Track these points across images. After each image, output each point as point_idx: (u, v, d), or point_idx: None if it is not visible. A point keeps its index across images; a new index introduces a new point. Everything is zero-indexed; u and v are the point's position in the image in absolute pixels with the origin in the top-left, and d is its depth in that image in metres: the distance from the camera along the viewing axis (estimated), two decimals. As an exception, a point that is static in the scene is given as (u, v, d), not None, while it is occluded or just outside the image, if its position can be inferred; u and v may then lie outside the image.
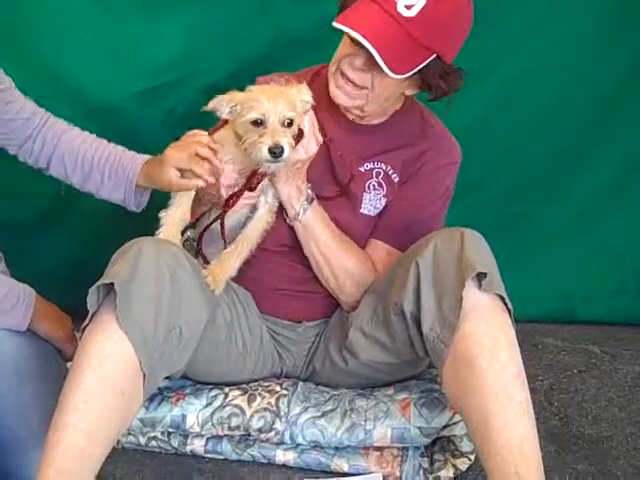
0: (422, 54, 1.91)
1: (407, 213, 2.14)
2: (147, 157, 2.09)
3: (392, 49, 1.88)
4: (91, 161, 2.08)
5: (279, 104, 1.86)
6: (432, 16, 1.88)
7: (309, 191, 2.05)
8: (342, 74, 2.00)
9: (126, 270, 1.75)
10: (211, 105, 1.92)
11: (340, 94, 2.03)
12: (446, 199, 2.19)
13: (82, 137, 2.12)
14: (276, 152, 1.83)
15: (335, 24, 1.91)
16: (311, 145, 1.96)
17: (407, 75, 1.92)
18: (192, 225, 2.10)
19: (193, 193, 1.98)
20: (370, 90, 1.99)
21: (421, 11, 1.88)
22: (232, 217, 2.04)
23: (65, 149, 2.10)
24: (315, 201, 2.05)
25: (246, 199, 2.01)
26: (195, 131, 2.00)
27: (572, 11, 2.51)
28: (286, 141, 1.84)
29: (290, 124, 1.87)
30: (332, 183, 2.12)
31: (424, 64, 1.92)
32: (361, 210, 2.14)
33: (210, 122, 2.17)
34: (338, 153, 2.08)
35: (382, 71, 1.89)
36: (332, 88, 2.04)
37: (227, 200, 1.99)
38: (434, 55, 1.92)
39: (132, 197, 2.08)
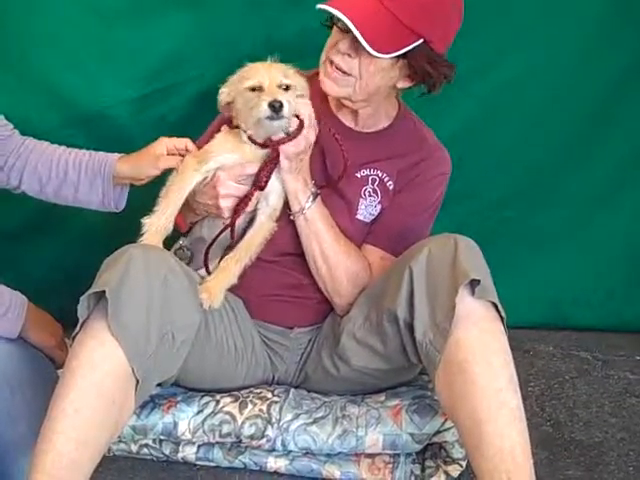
0: (408, 37, 1.93)
1: (400, 221, 2.15)
2: (118, 154, 2.12)
3: (376, 29, 1.90)
4: (65, 164, 2.10)
5: (274, 71, 1.91)
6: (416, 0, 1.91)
7: (314, 188, 2.05)
8: (330, 62, 2.01)
9: (116, 277, 1.75)
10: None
11: (328, 82, 2.04)
12: (436, 208, 2.21)
13: (53, 147, 2.15)
14: (275, 106, 1.85)
15: (319, 5, 1.92)
16: (309, 134, 1.96)
17: (391, 55, 1.93)
18: (184, 234, 2.10)
19: (180, 201, 1.98)
20: (357, 78, 1.99)
21: None
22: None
23: (39, 158, 2.11)
24: (319, 198, 2.05)
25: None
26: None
27: (562, 16, 2.51)
28: (285, 99, 1.87)
29: (287, 89, 1.90)
30: (323, 173, 2.13)
31: (410, 47, 1.93)
32: (357, 216, 2.15)
33: (201, 128, 2.17)
34: (331, 132, 2.06)
35: (367, 55, 1.91)
36: (321, 77, 2.05)
37: (237, 206, 1.99)
38: (421, 40, 1.93)
39: (110, 193, 2.09)
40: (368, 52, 1.91)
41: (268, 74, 1.91)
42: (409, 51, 1.94)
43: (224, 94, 1.98)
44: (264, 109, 1.86)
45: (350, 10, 1.90)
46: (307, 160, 2.02)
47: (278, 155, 1.95)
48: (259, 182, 1.97)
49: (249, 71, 1.94)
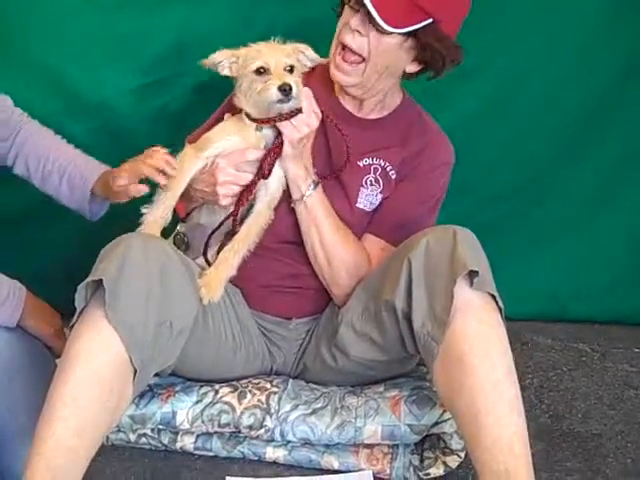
0: (417, 15, 1.94)
1: (402, 210, 2.15)
2: (107, 168, 2.11)
3: (386, 4, 1.91)
4: (52, 165, 2.11)
5: (278, 53, 1.92)
6: None
7: (315, 176, 2.05)
8: (341, 48, 2.02)
9: (114, 266, 1.75)
10: (211, 60, 1.97)
11: (338, 72, 2.05)
12: (439, 199, 2.20)
13: (48, 140, 2.15)
14: (286, 89, 1.87)
15: None
16: (311, 120, 1.97)
17: (401, 30, 1.94)
18: (183, 220, 2.10)
19: (179, 190, 1.98)
20: (367, 59, 2.00)
21: None
22: (227, 211, 2.04)
23: (30, 151, 2.13)
24: (320, 187, 2.05)
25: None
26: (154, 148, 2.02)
27: (561, 12, 2.51)
28: (293, 80, 1.89)
29: (291, 71, 1.92)
30: (327, 163, 2.13)
31: (419, 26, 1.94)
32: (357, 204, 2.14)
33: (202, 119, 2.17)
34: (333, 123, 2.08)
35: (377, 31, 1.93)
36: (331, 68, 2.06)
37: (240, 195, 1.99)
38: (430, 20, 1.94)
39: (85, 206, 2.10)
40: (379, 26, 1.92)
41: (274, 56, 1.91)
42: (418, 30, 1.95)
43: (224, 65, 1.97)
44: (274, 93, 1.87)
45: None
46: (309, 147, 2.02)
47: (281, 143, 1.96)
48: (263, 170, 1.97)
49: (254, 51, 1.94)
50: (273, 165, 1.98)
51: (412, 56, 2.03)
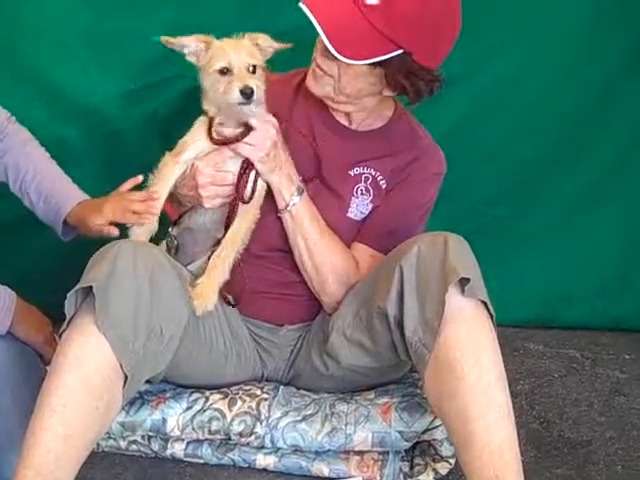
0: (385, 46, 1.89)
1: (392, 219, 2.15)
2: (84, 197, 2.11)
3: (347, 34, 1.88)
4: (30, 183, 2.10)
5: (241, 52, 1.93)
6: (397, 8, 1.87)
7: (299, 183, 2.05)
8: (315, 62, 2.01)
9: (104, 273, 1.75)
10: (178, 41, 1.98)
11: (310, 79, 2.05)
12: (429, 208, 2.20)
13: (32, 155, 2.14)
14: (247, 92, 1.88)
15: (300, 4, 1.91)
16: (266, 131, 1.97)
17: (361, 62, 1.90)
18: (175, 222, 2.10)
19: (162, 201, 2.00)
20: (336, 80, 1.99)
21: (385, 0, 1.87)
22: (214, 213, 2.05)
23: (10, 161, 2.12)
24: (305, 193, 2.05)
25: (227, 198, 2.02)
26: (125, 188, 2.05)
27: (554, 16, 2.52)
28: (254, 83, 1.90)
29: (254, 71, 1.94)
30: (316, 171, 2.13)
31: (386, 57, 1.90)
32: (348, 214, 2.14)
33: (192, 122, 2.16)
34: (298, 131, 2.10)
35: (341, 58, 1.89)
36: (307, 76, 2.06)
37: (226, 220, 2.01)
38: (400, 50, 1.90)
39: (59, 229, 2.11)
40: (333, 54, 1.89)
41: (237, 56, 1.92)
42: (386, 60, 1.91)
43: (191, 50, 1.99)
44: (236, 96, 1.89)
45: (321, 10, 1.88)
46: (283, 154, 2.03)
47: (251, 163, 1.98)
48: (239, 194, 1.99)
49: (218, 48, 1.95)
50: (250, 186, 2.00)
51: (384, 83, 2.00)
